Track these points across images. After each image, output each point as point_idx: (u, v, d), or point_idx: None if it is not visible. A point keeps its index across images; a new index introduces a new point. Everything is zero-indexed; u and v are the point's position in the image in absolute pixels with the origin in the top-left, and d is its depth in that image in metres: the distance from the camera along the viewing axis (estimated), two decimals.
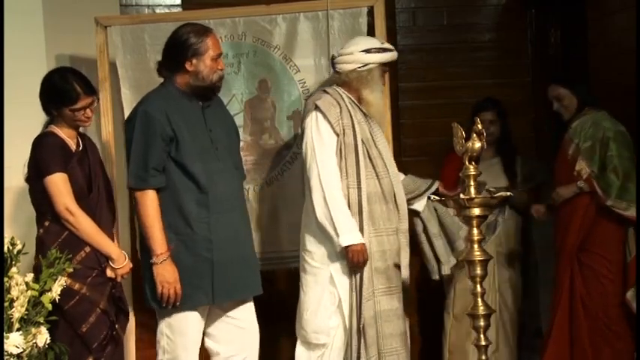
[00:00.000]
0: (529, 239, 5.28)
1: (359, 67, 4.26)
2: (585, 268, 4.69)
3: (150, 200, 3.93)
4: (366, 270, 4.16)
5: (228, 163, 4.06)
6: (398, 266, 4.27)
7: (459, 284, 5.09)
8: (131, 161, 3.97)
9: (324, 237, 4.19)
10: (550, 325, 4.82)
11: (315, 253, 4.25)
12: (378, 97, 4.33)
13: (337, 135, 4.21)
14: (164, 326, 4.04)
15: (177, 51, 4.01)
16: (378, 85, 4.33)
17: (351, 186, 4.19)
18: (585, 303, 4.67)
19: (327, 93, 4.29)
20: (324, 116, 4.21)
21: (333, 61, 4.37)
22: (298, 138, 4.62)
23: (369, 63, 4.26)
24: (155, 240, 3.91)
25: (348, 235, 4.12)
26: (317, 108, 4.22)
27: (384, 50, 4.30)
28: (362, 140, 4.24)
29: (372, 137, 4.32)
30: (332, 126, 4.20)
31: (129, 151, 3.99)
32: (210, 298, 3.97)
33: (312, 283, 4.26)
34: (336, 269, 4.21)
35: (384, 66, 4.34)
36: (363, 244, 4.13)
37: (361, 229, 4.16)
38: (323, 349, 4.26)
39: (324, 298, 4.24)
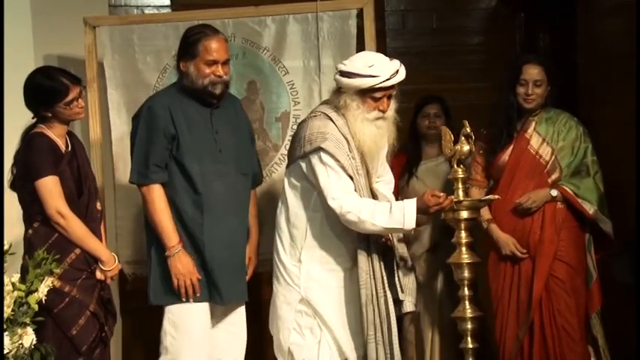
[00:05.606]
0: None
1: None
2: (554, 280, 4.32)
3: (156, 195, 3.93)
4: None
5: (231, 166, 4.02)
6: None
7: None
8: (134, 156, 3.98)
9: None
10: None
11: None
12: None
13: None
14: (168, 325, 3.98)
15: (179, 50, 4.04)
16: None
17: None
18: (553, 314, 4.30)
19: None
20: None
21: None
22: (287, 140, 4.62)
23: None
24: (166, 233, 3.91)
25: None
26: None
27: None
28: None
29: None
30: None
31: (133, 147, 4.00)
32: (206, 297, 3.95)
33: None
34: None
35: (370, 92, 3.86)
36: None
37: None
38: None
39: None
